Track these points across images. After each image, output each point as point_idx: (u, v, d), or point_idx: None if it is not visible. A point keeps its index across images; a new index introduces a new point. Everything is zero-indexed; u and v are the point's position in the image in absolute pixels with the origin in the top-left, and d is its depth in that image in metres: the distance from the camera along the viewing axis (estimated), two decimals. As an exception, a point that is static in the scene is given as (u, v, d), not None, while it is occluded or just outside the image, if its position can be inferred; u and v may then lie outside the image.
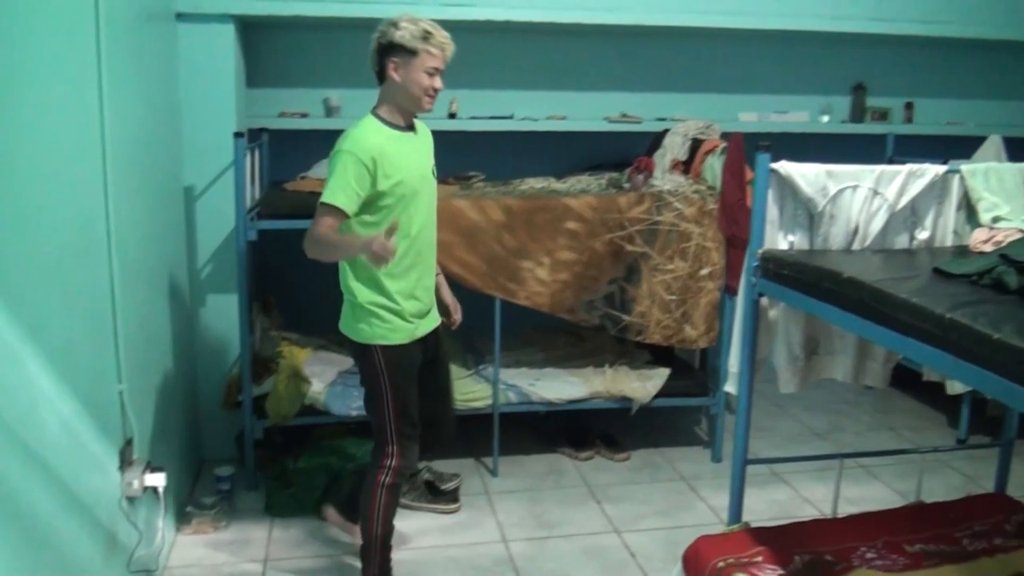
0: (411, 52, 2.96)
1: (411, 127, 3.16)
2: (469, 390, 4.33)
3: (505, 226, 4.14)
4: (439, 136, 5.00)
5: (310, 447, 4.13)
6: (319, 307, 5.05)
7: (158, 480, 3.04)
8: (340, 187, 2.93)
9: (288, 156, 4.83)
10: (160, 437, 3.49)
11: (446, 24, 4.63)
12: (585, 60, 5.33)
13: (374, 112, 3.11)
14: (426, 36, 2.97)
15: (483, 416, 4.34)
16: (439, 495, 4.02)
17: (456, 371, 4.49)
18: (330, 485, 3.94)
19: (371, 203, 3.01)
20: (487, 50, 5.16)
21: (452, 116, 5.02)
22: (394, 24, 2.98)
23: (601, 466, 4.54)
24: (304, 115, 4.92)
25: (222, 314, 4.37)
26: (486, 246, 4.13)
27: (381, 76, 3.08)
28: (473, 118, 5.04)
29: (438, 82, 3.03)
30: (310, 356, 4.51)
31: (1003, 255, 2.49)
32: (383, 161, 2.97)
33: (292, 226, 4.04)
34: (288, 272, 5.05)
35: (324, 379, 4.28)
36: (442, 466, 4.24)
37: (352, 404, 4.13)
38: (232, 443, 4.41)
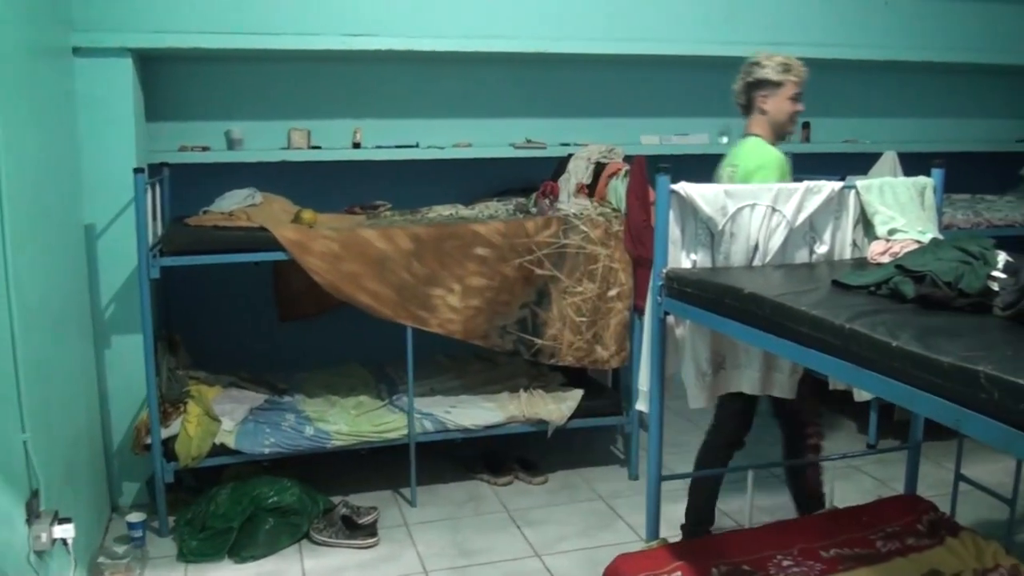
0: (776, 84, 3.47)
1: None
2: (383, 421, 4.30)
3: (414, 254, 4.13)
4: (343, 166, 5.04)
5: (223, 489, 4.04)
6: (227, 344, 5.01)
7: (67, 532, 2.92)
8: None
9: (190, 191, 4.74)
10: (68, 486, 3.38)
11: (349, 54, 4.74)
12: (489, 87, 5.37)
13: (753, 134, 3.56)
14: (786, 68, 3.48)
15: (399, 447, 4.31)
16: (356, 530, 3.97)
17: (369, 402, 4.47)
18: (244, 527, 3.87)
19: None
20: (391, 79, 5.17)
21: (356, 146, 5.01)
22: (756, 63, 3.50)
23: (520, 490, 4.54)
24: (206, 148, 4.85)
25: (128, 355, 4.25)
26: (395, 275, 4.12)
27: (748, 108, 3.58)
28: (378, 147, 5.04)
29: (800, 106, 3.53)
30: (219, 394, 4.43)
31: (899, 265, 2.57)
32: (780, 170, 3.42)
33: (196, 262, 3.99)
34: (194, 309, 4.98)
35: (234, 417, 4.21)
36: (359, 500, 4.19)
37: (264, 442, 4.07)
38: (145, 488, 4.29)
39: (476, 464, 4.70)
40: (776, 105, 3.51)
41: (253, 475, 4.14)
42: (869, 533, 3.27)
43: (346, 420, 4.29)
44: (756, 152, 3.49)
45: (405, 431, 4.27)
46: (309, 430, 4.19)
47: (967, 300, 2.35)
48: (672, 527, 3.75)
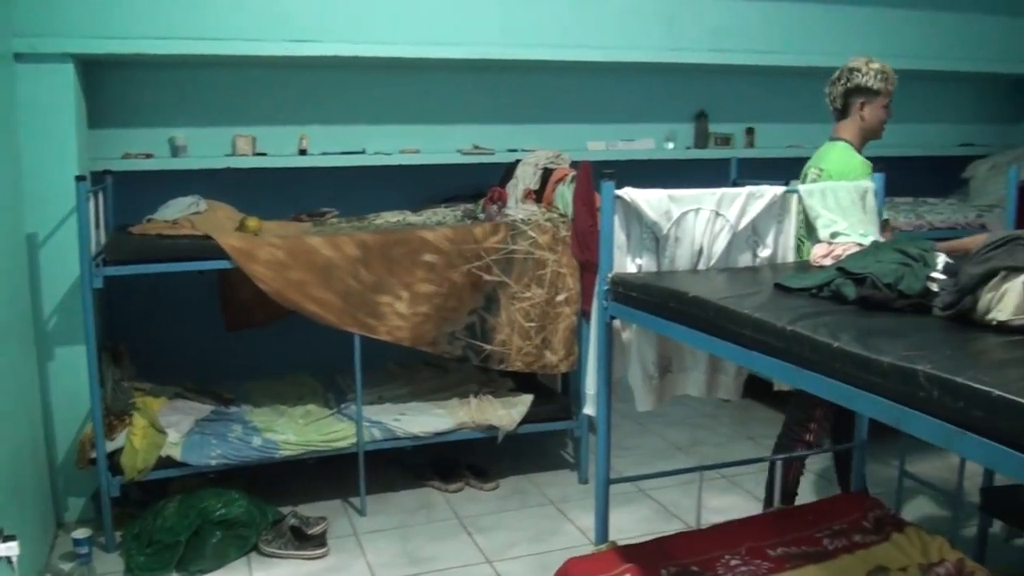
0: (875, 92, 3.57)
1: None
2: (332, 430, 4.27)
3: (361, 261, 4.11)
4: (289, 173, 5.00)
5: (169, 502, 3.98)
6: (173, 354, 4.94)
7: (11, 549, 2.86)
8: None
9: (134, 199, 4.67)
10: (13, 502, 3.31)
11: (295, 60, 4.71)
12: (436, 93, 5.37)
13: (842, 139, 3.65)
14: (885, 77, 3.58)
15: (348, 456, 4.28)
16: (305, 540, 3.93)
17: (317, 411, 4.44)
18: (191, 541, 3.81)
19: None
20: (337, 85, 5.15)
21: (303, 152, 4.98)
22: (856, 69, 3.58)
23: (471, 497, 4.53)
24: (149, 156, 4.78)
25: (71, 367, 4.16)
26: (342, 282, 4.09)
27: (843, 113, 3.66)
28: (324, 154, 5.02)
29: (889, 113, 3.66)
30: (165, 406, 4.37)
31: (840, 268, 2.61)
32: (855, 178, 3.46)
33: (140, 271, 3.94)
34: (139, 319, 4.91)
35: (180, 429, 4.15)
36: (308, 510, 4.16)
37: (210, 453, 4.02)
38: (91, 503, 4.22)
39: (426, 471, 4.68)
40: (872, 112, 3.62)
41: (200, 487, 4.09)
42: (816, 531, 3.30)
43: (294, 430, 4.25)
44: (843, 159, 3.58)
45: (354, 440, 4.24)
46: (256, 441, 4.15)
47: (907, 301, 2.38)
48: (622, 530, 3.77)
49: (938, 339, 2.11)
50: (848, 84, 3.62)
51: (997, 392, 1.64)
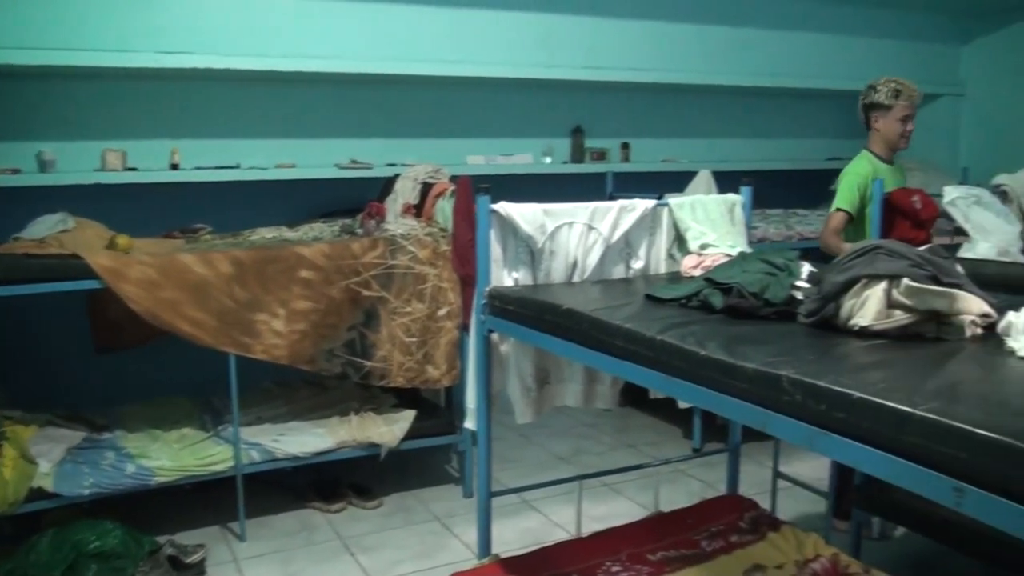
0: (887, 107, 3.95)
1: (891, 161, 4.10)
2: (208, 453, 4.15)
3: (235, 279, 4.02)
4: (161, 189, 4.87)
5: (42, 536, 3.79)
6: (42, 379, 4.75)
7: None
8: (846, 198, 3.89)
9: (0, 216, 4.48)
10: None
11: (165, 72, 4.60)
12: (313, 107, 5.32)
13: (867, 149, 4.08)
14: (897, 93, 3.93)
15: (226, 479, 4.16)
16: (183, 570, 3.80)
17: (193, 434, 4.32)
18: (66, 576, 3.66)
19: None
20: (210, 98, 5.05)
21: (175, 167, 4.85)
22: (872, 87, 3.99)
23: (354, 516, 4.47)
24: (16, 171, 4.57)
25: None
26: (216, 301, 3.99)
27: (866, 125, 4.07)
28: (198, 168, 4.90)
29: (910, 125, 4.00)
30: (35, 434, 4.17)
31: (708, 278, 2.69)
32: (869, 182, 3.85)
33: (5, 292, 3.77)
34: (5, 343, 4.70)
35: (51, 458, 3.96)
36: (185, 538, 4.03)
37: (83, 483, 3.86)
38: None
39: (307, 492, 4.59)
40: (887, 125, 3.99)
41: (74, 519, 3.90)
42: (694, 533, 3.39)
43: (169, 455, 4.12)
44: (854, 163, 4.03)
45: (231, 463, 4.13)
46: (131, 467, 4.00)
47: (772, 309, 2.47)
48: (507, 543, 3.78)
49: (802, 345, 2.20)
50: (864, 100, 4.04)
51: (857, 394, 1.71)
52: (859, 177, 3.94)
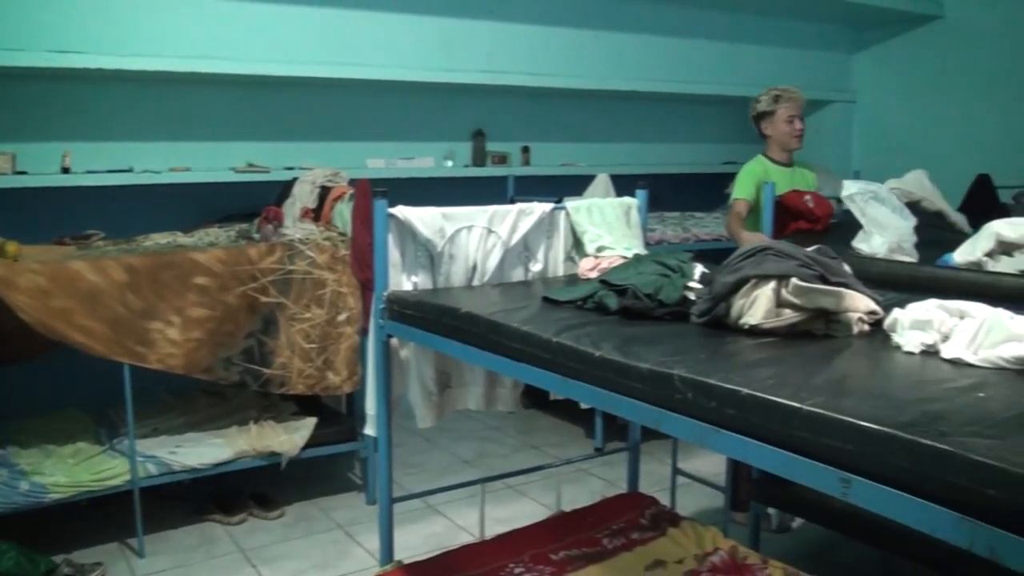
0: (770, 113, 4.24)
1: (789, 164, 4.33)
2: (103, 468, 4.01)
3: (129, 286, 3.91)
4: (51, 193, 4.71)
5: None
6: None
7: None
8: (744, 189, 4.16)
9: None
10: None
11: (54, 71, 4.45)
12: (208, 109, 5.21)
13: (763, 153, 4.33)
14: (776, 98, 4.22)
15: (123, 494, 4.04)
16: (79, 588, 3.70)
17: (88, 448, 4.19)
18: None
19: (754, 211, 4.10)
20: (101, 100, 4.92)
21: (66, 171, 4.68)
22: (755, 100, 4.29)
23: (256, 527, 4.39)
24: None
25: None
26: (109, 309, 3.87)
27: (762, 135, 4.32)
28: (89, 172, 4.74)
29: (798, 124, 4.24)
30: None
31: (603, 280, 2.72)
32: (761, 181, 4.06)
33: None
34: None
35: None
36: (83, 556, 3.91)
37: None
38: None
39: (207, 505, 4.48)
40: (775, 128, 4.26)
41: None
42: (595, 532, 3.43)
43: (63, 470, 3.97)
44: (747, 164, 4.31)
45: (128, 476, 4.01)
46: (24, 485, 3.85)
47: (666, 310, 2.52)
48: (411, 548, 3.76)
49: (694, 344, 2.25)
50: (752, 113, 4.34)
51: (746, 391, 1.76)
52: (753, 175, 4.20)
